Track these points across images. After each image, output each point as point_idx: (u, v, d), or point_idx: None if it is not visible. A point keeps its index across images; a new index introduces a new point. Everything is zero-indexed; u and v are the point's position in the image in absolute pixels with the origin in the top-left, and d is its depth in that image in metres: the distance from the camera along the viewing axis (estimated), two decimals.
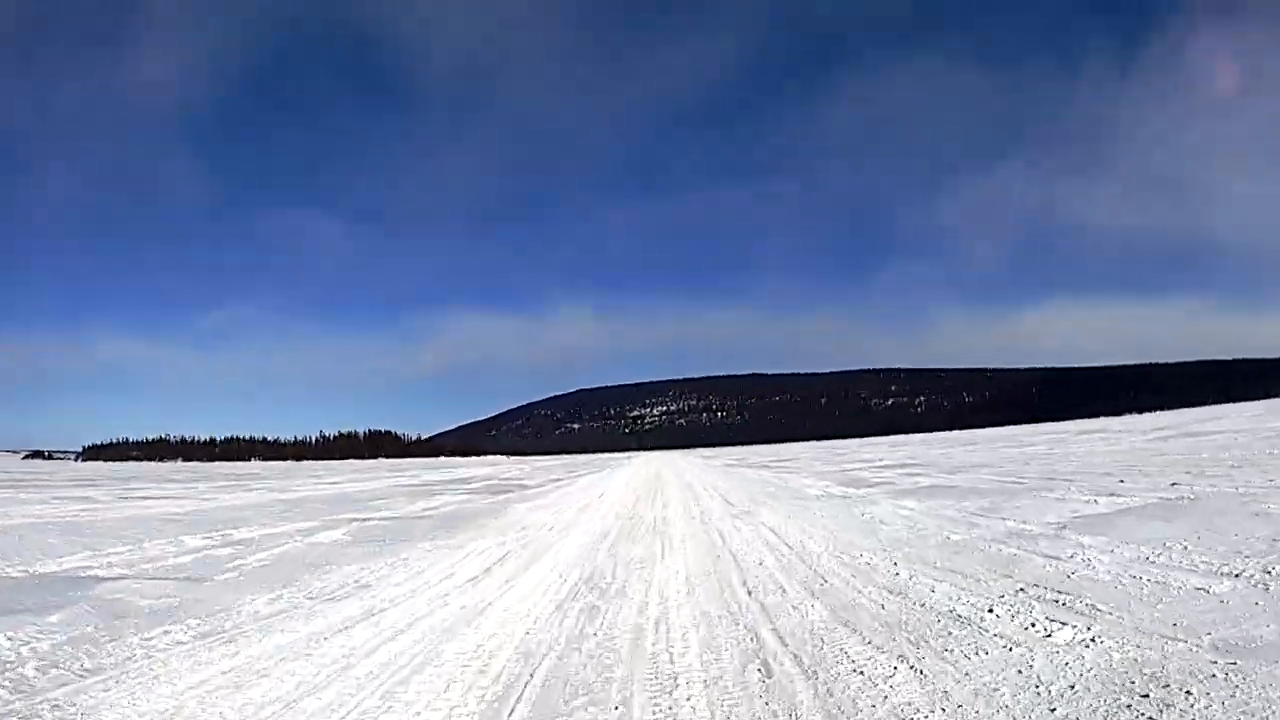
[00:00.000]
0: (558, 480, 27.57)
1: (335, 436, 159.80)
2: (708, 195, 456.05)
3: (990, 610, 4.68)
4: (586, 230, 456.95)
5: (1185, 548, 6.06)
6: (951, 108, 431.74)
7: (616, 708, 3.40)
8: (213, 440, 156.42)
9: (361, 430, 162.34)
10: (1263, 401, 69.94)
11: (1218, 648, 3.68)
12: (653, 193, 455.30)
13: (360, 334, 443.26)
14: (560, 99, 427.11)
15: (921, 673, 3.62)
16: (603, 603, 5.51)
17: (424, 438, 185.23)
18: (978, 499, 10.94)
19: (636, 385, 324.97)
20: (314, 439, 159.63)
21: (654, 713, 3.32)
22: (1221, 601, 4.47)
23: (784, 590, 5.64)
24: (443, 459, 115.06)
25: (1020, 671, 3.57)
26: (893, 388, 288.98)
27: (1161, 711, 3.00)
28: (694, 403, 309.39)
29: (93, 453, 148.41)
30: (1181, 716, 2.95)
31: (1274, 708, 2.95)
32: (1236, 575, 5.03)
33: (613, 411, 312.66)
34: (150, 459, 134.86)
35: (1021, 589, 5.17)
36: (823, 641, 4.25)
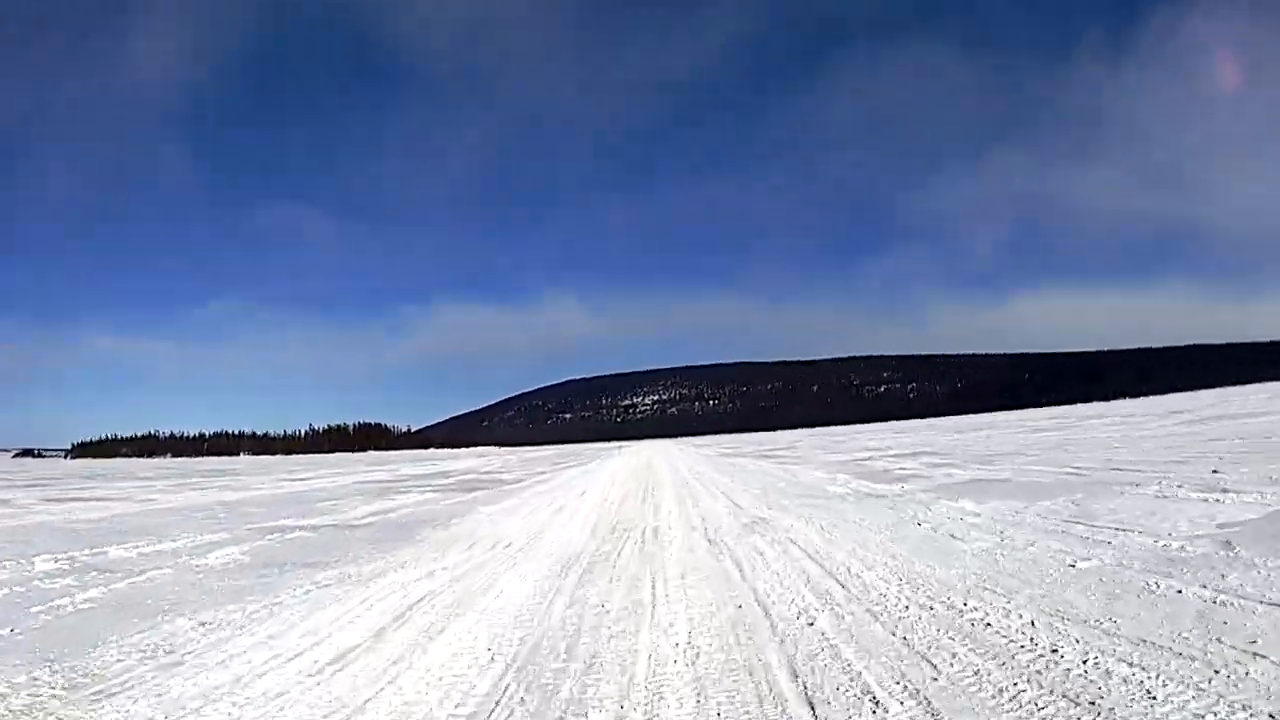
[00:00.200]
0: (540, 474, 25.28)
1: (325, 430, 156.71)
2: (699, 184, 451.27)
3: None
4: (578, 220, 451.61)
5: None
6: (944, 95, 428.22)
7: None
8: (202, 436, 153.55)
9: (352, 423, 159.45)
10: (1268, 384, 68.74)
11: None
12: (645, 182, 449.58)
13: (352, 327, 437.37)
14: (551, 88, 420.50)
15: None
16: None
17: (415, 430, 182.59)
18: (1049, 498, 8.80)
19: (628, 374, 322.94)
20: (303, 433, 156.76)
21: None
22: None
23: (874, 698, 3.03)
24: (430, 451, 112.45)
25: None
26: (885, 374, 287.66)
27: None
28: (685, 391, 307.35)
29: (82, 450, 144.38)
30: None
31: None
32: None
33: (605, 401, 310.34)
34: (140, 455, 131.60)
35: None
36: None
